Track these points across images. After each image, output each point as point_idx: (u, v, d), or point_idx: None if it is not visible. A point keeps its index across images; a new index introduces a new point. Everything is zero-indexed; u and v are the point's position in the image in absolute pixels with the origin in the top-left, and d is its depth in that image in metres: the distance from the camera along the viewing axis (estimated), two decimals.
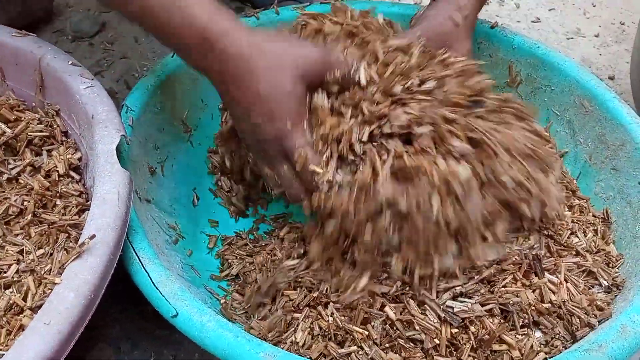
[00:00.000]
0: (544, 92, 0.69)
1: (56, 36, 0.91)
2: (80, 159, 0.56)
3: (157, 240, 0.51)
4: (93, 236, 0.41)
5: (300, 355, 0.42)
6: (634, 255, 0.53)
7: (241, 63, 0.45)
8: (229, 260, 0.58)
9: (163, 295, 0.42)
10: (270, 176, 0.50)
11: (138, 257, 0.44)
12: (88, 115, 0.52)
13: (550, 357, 0.43)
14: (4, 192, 0.53)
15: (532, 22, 1.05)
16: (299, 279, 0.51)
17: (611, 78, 0.95)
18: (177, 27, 0.45)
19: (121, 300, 0.59)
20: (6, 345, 0.43)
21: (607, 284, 0.51)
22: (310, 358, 0.44)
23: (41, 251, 0.50)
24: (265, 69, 0.44)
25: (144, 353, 0.58)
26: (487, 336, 0.45)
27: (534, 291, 0.49)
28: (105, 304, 0.59)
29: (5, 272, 0.48)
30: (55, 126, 0.58)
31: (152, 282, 0.43)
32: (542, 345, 0.45)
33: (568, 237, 0.55)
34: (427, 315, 0.46)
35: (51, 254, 0.49)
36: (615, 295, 0.51)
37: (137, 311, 0.60)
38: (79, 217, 0.52)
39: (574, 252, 0.54)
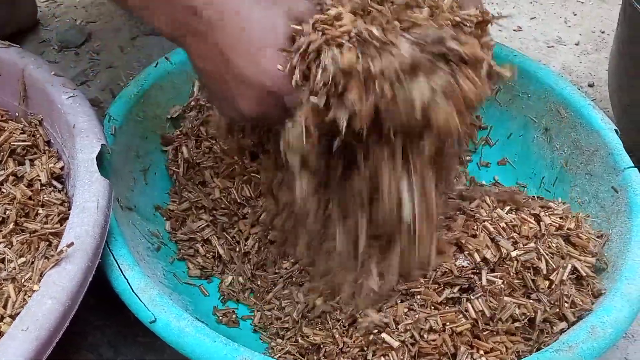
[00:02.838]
0: (521, 99, 0.70)
1: (42, 46, 0.92)
2: (62, 168, 0.57)
3: (138, 248, 0.51)
4: (71, 244, 0.42)
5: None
6: (607, 258, 0.54)
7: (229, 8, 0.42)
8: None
9: (142, 301, 0.43)
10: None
11: (117, 264, 0.45)
12: (69, 125, 0.52)
13: (520, 358, 0.44)
14: None
15: (514, 30, 1.06)
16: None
17: (591, 85, 0.97)
18: None
19: (104, 307, 0.59)
20: None
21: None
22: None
23: (22, 259, 0.50)
24: (259, 13, 0.42)
25: None
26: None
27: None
28: (88, 311, 0.60)
29: None
30: (38, 136, 0.58)
31: (131, 289, 0.43)
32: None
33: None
34: None
35: (32, 262, 0.50)
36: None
37: (120, 318, 0.60)
38: (61, 225, 0.53)
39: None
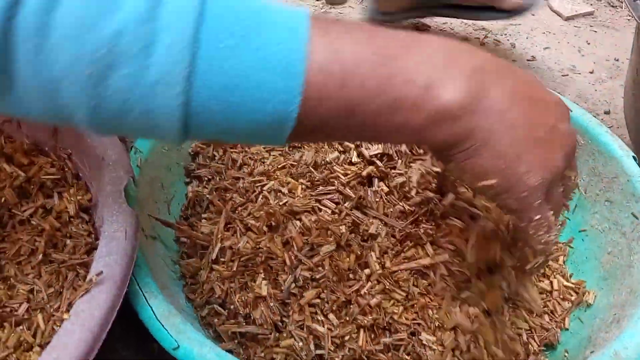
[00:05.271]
0: None
1: None
2: (90, 200, 0.59)
3: (161, 276, 0.52)
4: (100, 273, 0.43)
5: None
6: (629, 284, 0.54)
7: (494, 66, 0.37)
8: None
9: (165, 328, 0.43)
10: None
11: (142, 292, 0.46)
12: (98, 158, 0.54)
13: None
14: (16, 233, 0.56)
15: (528, 60, 1.08)
16: None
17: (607, 113, 0.97)
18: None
19: (129, 337, 0.60)
20: None
21: None
22: None
23: (51, 289, 0.52)
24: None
25: None
26: None
27: None
28: (113, 341, 0.61)
29: (16, 310, 0.50)
30: (66, 169, 0.60)
31: (155, 316, 0.44)
32: None
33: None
34: None
35: (60, 292, 0.51)
36: None
37: (145, 349, 0.61)
38: (88, 256, 0.54)
39: None
